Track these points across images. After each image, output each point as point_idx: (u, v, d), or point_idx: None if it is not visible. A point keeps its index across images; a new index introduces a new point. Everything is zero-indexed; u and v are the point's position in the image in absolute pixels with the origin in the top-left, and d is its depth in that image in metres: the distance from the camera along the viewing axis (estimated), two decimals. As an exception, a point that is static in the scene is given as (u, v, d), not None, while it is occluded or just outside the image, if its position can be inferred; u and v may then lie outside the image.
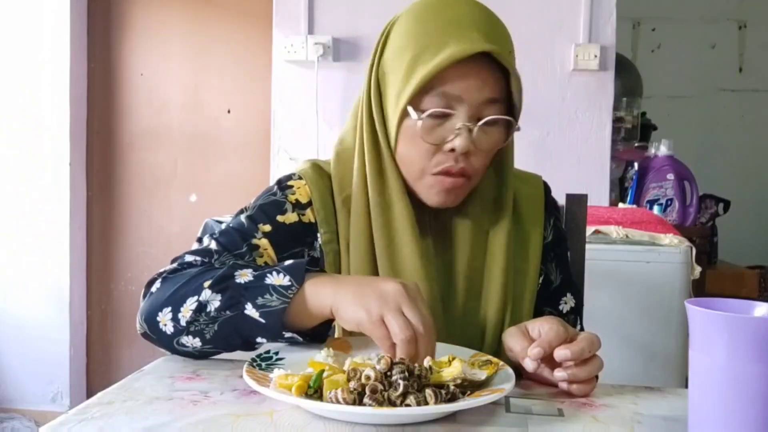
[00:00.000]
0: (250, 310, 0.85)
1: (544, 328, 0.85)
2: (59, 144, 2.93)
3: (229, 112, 2.96)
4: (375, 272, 0.99)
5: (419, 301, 0.82)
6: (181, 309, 0.87)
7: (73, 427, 0.70)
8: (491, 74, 0.95)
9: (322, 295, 0.84)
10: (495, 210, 1.03)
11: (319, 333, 0.89)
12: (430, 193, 0.98)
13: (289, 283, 0.84)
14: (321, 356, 0.84)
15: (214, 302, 0.86)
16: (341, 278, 0.88)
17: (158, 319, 0.89)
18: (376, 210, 1.00)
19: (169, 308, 0.88)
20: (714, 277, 2.78)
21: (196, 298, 0.86)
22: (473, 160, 0.96)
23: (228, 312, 0.86)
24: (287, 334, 0.86)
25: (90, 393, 3.00)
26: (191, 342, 0.89)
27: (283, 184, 1.05)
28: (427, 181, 0.97)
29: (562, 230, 1.15)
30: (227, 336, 0.87)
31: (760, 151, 4.04)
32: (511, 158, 1.05)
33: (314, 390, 0.76)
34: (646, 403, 0.83)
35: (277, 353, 0.86)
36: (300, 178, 1.05)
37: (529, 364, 0.83)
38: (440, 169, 0.95)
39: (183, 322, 0.87)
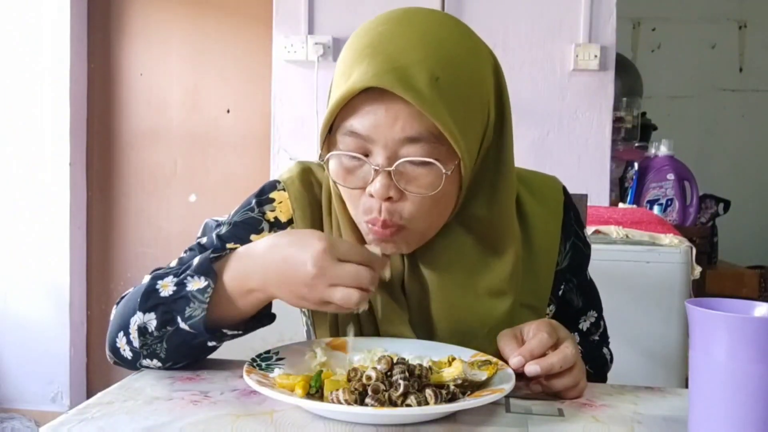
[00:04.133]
0: (182, 324, 0.82)
1: (532, 334, 0.84)
2: (59, 144, 2.93)
3: (228, 111, 2.96)
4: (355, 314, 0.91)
5: (341, 255, 0.76)
6: (130, 332, 0.85)
7: (73, 427, 0.70)
8: (405, 108, 0.79)
9: (246, 286, 0.80)
10: (490, 243, 0.92)
11: (262, 316, 0.86)
12: (370, 241, 0.87)
13: (205, 284, 0.80)
14: (313, 348, 0.84)
15: (151, 322, 0.83)
16: (254, 262, 0.80)
17: (118, 345, 0.87)
18: None
19: (122, 332, 0.86)
20: (714, 277, 2.79)
21: (135, 322, 0.84)
22: (402, 206, 0.83)
23: (168, 328, 0.83)
24: (228, 333, 0.83)
25: (90, 393, 3.00)
26: (151, 363, 0.87)
27: (263, 196, 0.99)
28: (363, 227, 0.87)
29: (583, 249, 1.04)
30: (180, 349, 0.85)
31: (760, 151, 4.05)
32: (509, 179, 0.92)
33: (315, 390, 0.76)
34: (646, 403, 0.83)
35: (277, 353, 0.86)
36: (284, 189, 0.98)
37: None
38: (367, 218, 0.84)
39: (136, 345, 0.85)
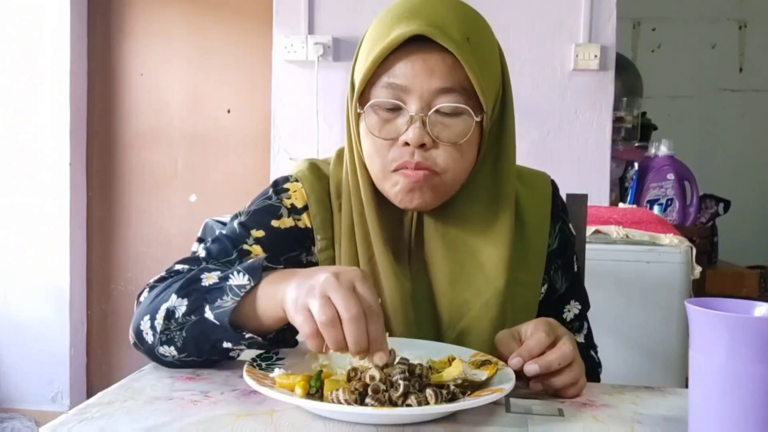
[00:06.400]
0: (207, 313, 0.82)
1: (530, 333, 0.85)
2: (59, 144, 2.93)
3: (229, 112, 2.96)
4: None
5: (355, 286, 0.74)
6: (156, 317, 0.86)
7: (73, 427, 0.70)
8: (441, 61, 0.89)
9: (276, 293, 0.79)
10: (491, 216, 0.97)
11: (285, 338, 0.86)
12: (396, 193, 0.92)
13: (247, 282, 0.81)
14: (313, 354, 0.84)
15: (181, 308, 0.84)
16: (293, 275, 0.80)
17: (141, 328, 0.88)
18: (358, 220, 0.97)
19: (148, 316, 0.87)
20: (714, 277, 2.78)
21: (166, 305, 0.85)
22: (436, 154, 0.90)
23: (192, 317, 0.83)
24: (247, 335, 0.82)
25: (90, 393, 3.00)
26: (168, 351, 0.87)
27: (278, 186, 1.03)
28: (391, 180, 0.92)
29: (569, 235, 1.09)
30: (196, 342, 0.85)
31: (760, 151, 4.04)
32: (510, 156, 0.99)
33: (315, 390, 0.76)
34: (646, 403, 0.83)
35: (277, 353, 0.86)
36: (297, 180, 1.03)
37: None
38: (398, 164, 0.90)
39: (158, 330, 0.86)
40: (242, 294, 0.81)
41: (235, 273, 0.83)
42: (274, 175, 2.71)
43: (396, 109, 0.91)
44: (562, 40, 2.62)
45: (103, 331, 3.07)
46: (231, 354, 0.86)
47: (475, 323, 0.96)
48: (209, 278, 0.85)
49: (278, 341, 0.86)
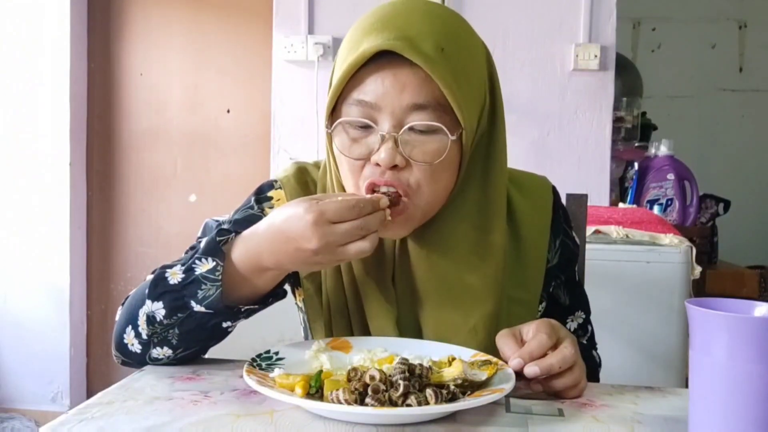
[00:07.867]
0: (197, 307, 0.83)
1: (531, 334, 0.84)
2: (59, 144, 2.93)
3: (228, 111, 2.96)
4: (345, 305, 0.95)
5: (325, 217, 0.78)
6: (138, 323, 0.86)
7: (73, 427, 0.70)
8: (413, 75, 0.83)
9: (262, 261, 0.83)
10: (481, 233, 0.92)
11: (276, 293, 0.89)
12: None
13: (214, 264, 0.82)
14: (314, 348, 0.85)
15: (159, 311, 0.84)
16: (260, 242, 0.83)
17: (125, 341, 0.88)
18: None
19: (130, 326, 0.87)
20: (714, 277, 2.78)
21: (144, 310, 0.85)
22: (409, 174, 0.85)
23: (179, 314, 0.84)
24: (243, 308, 0.85)
25: (90, 393, 3.00)
26: (162, 353, 0.87)
27: (261, 195, 1.02)
28: None
29: (573, 247, 1.04)
30: (193, 334, 0.86)
31: (760, 151, 4.05)
32: (500, 169, 0.93)
33: (315, 390, 0.76)
34: (646, 403, 0.83)
35: (277, 353, 0.86)
36: (281, 187, 1.01)
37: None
38: (367, 183, 0.86)
39: (145, 336, 0.86)
40: (219, 277, 0.82)
41: (198, 261, 0.84)
42: (274, 175, 2.70)
43: (367, 127, 0.86)
44: (562, 40, 2.62)
45: (103, 331, 3.07)
46: (228, 331, 0.89)
47: (475, 332, 0.93)
48: (174, 274, 0.85)
49: (270, 297, 0.89)
